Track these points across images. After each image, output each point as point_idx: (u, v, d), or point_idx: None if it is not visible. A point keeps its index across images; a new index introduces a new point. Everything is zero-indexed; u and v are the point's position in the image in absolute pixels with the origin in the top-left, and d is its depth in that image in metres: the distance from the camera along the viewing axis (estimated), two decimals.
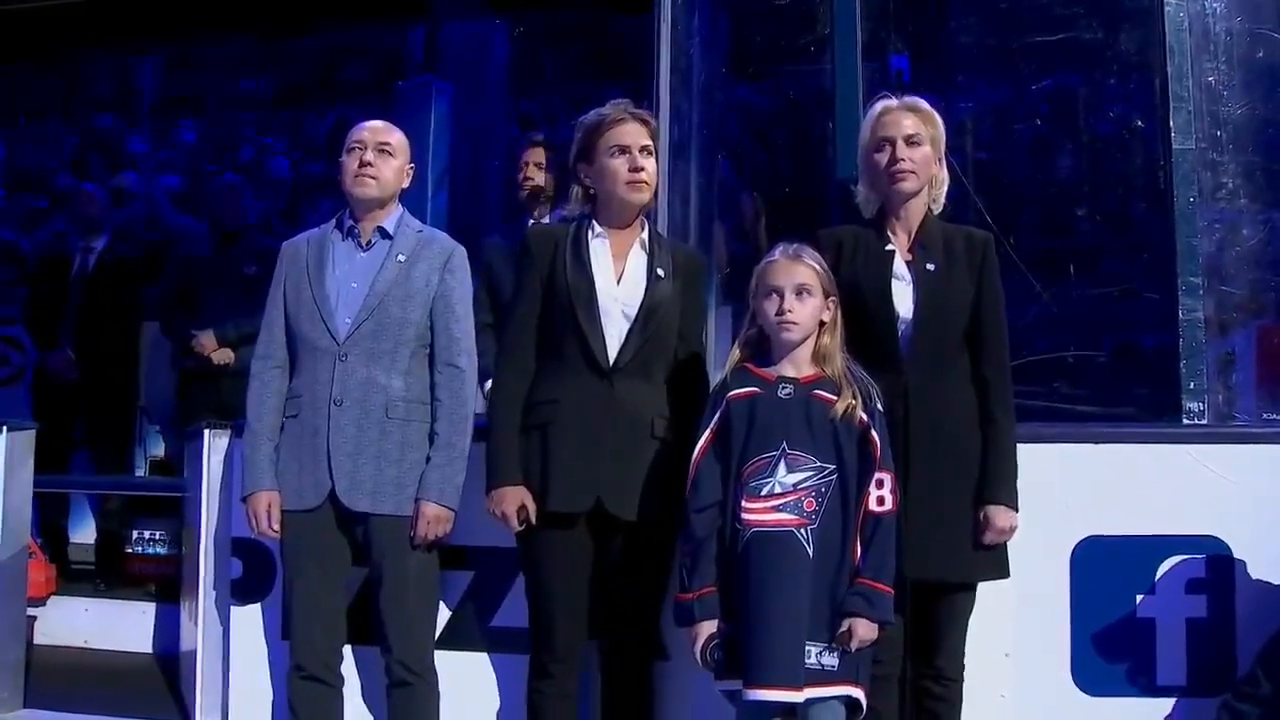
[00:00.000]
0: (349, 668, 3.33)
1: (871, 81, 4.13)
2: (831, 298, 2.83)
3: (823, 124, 4.63)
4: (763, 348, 2.87)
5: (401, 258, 3.24)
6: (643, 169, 3.03)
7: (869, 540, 2.71)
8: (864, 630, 2.67)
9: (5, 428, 3.91)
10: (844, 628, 2.67)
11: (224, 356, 5.17)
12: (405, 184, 3.34)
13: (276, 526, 3.21)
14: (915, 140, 2.96)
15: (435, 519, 3.14)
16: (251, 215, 5.49)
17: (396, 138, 3.31)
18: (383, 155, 3.25)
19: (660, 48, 4.50)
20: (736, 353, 2.89)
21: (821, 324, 2.82)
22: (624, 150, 3.03)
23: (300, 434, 3.20)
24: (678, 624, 2.83)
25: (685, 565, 2.80)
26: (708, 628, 2.74)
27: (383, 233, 3.28)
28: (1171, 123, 3.74)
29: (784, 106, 5.58)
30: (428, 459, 3.17)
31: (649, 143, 3.07)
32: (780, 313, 2.77)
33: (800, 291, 2.78)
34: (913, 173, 2.95)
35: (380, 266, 3.23)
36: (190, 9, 6.53)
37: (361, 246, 3.27)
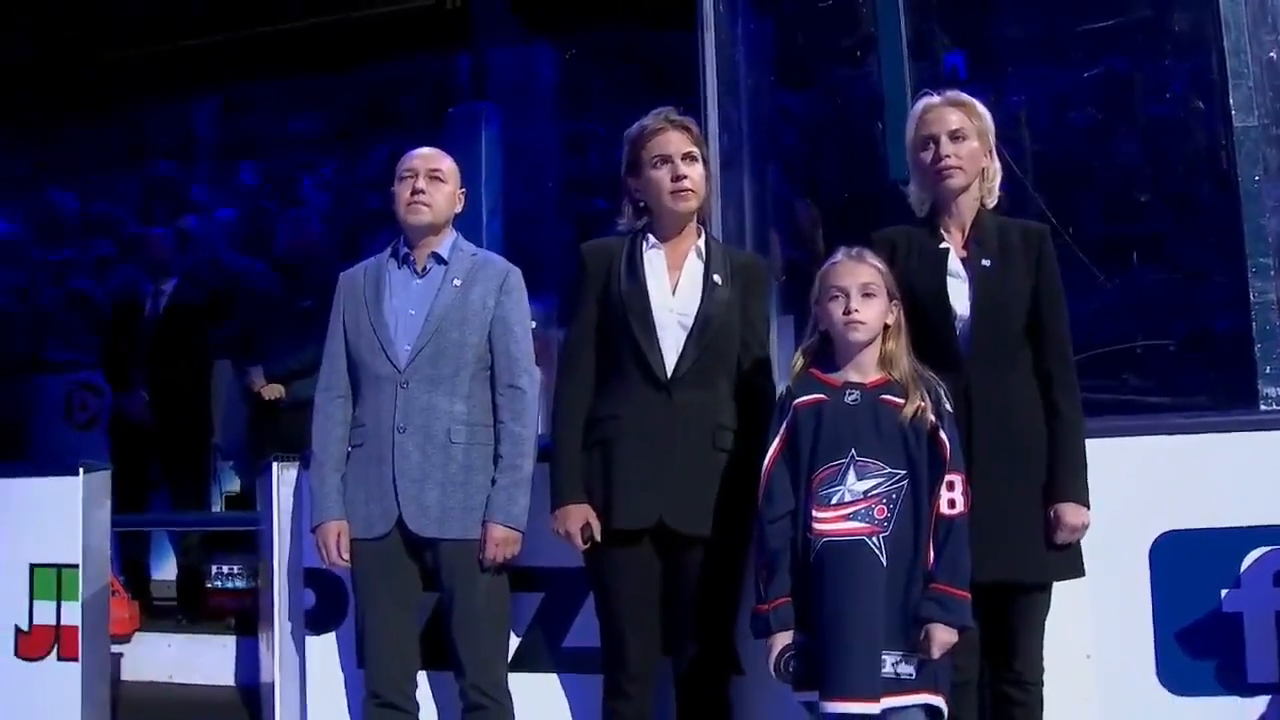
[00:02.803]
0: (424, 693, 3.35)
1: (924, 80, 4.09)
2: (895, 300, 2.80)
3: (873, 126, 4.59)
4: (826, 353, 2.83)
5: (458, 282, 3.26)
6: (685, 177, 3.02)
7: (941, 544, 2.67)
8: (943, 636, 2.62)
9: (82, 469, 3.99)
10: (922, 635, 2.62)
11: (273, 392, 5.27)
12: (458, 209, 3.37)
13: (346, 556, 3.24)
14: (960, 135, 2.92)
15: (503, 541, 3.15)
16: (312, 249, 5.55)
17: (447, 164, 3.34)
18: (434, 182, 3.28)
19: (705, 59, 4.49)
20: (800, 360, 2.85)
21: (886, 327, 2.78)
22: (666, 160, 3.02)
23: (366, 462, 3.22)
24: (755, 635, 2.79)
25: (761, 577, 2.77)
26: (783, 639, 2.70)
27: (438, 258, 3.30)
28: (1231, 100, 3.65)
29: (834, 110, 5.55)
30: (493, 481, 3.18)
31: (692, 149, 3.05)
32: (848, 312, 2.74)
33: (865, 292, 2.75)
34: (959, 168, 2.91)
35: (437, 292, 3.25)
36: (241, 52, 6.68)
37: (417, 273, 3.30)
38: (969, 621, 2.67)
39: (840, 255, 2.82)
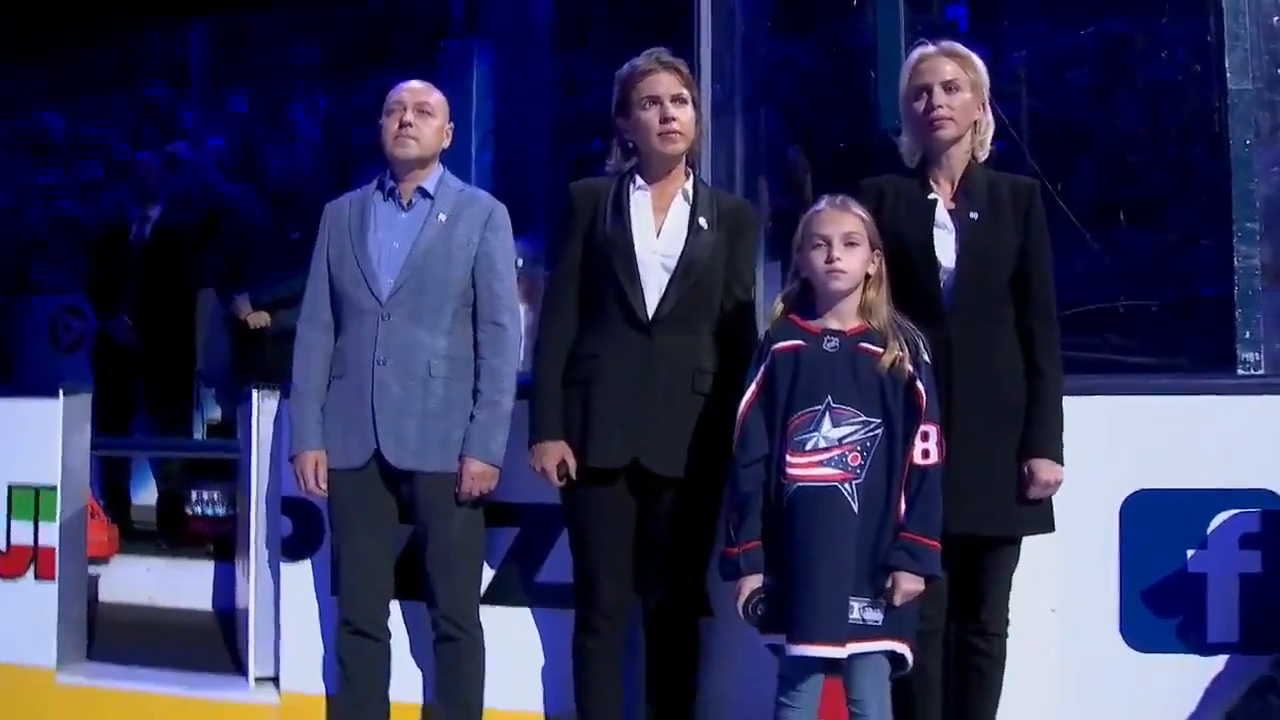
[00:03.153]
0: (396, 622, 3.38)
1: (923, 31, 4.05)
2: (877, 250, 2.79)
3: (867, 76, 4.55)
4: (806, 300, 2.84)
5: (443, 217, 3.25)
6: (674, 119, 3.00)
7: (914, 493, 2.69)
8: (908, 584, 2.66)
9: (62, 391, 3.99)
10: (889, 582, 2.66)
11: (259, 320, 5.28)
12: (445, 144, 3.35)
13: (324, 485, 3.25)
14: (954, 86, 2.90)
15: (480, 475, 3.16)
16: (300, 180, 5.53)
17: (435, 97, 3.31)
18: (422, 115, 3.26)
19: (700, 4, 4.42)
20: (779, 305, 2.86)
21: (867, 277, 2.78)
22: (655, 101, 3.00)
23: (345, 393, 3.23)
24: (723, 578, 2.83)
25: (731, 520, 2.79)
26: (751, 582, 2.73)
27: (423, 193, 3.29)
28: (1227, 62, 3.62)
29: (829, 59, 5.49)
30: (471, 416, 3.19)
31: (681, 91, 3.03)
32: (829, 261, 2.74)
33: (848, 241, 2.75)
34: (951, 119, 2.89)
35: (422, 226, 3.24)
36: None
37: (403, 207, 3.29)
38: (937, 571, 2.70)
39: (824, 204, 2.82)
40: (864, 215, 2.79)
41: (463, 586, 3.24)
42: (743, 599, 2.74)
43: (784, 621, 2.68)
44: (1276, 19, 3.67)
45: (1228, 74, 3.60)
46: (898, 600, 2.66)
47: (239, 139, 6.86)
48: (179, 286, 5.86)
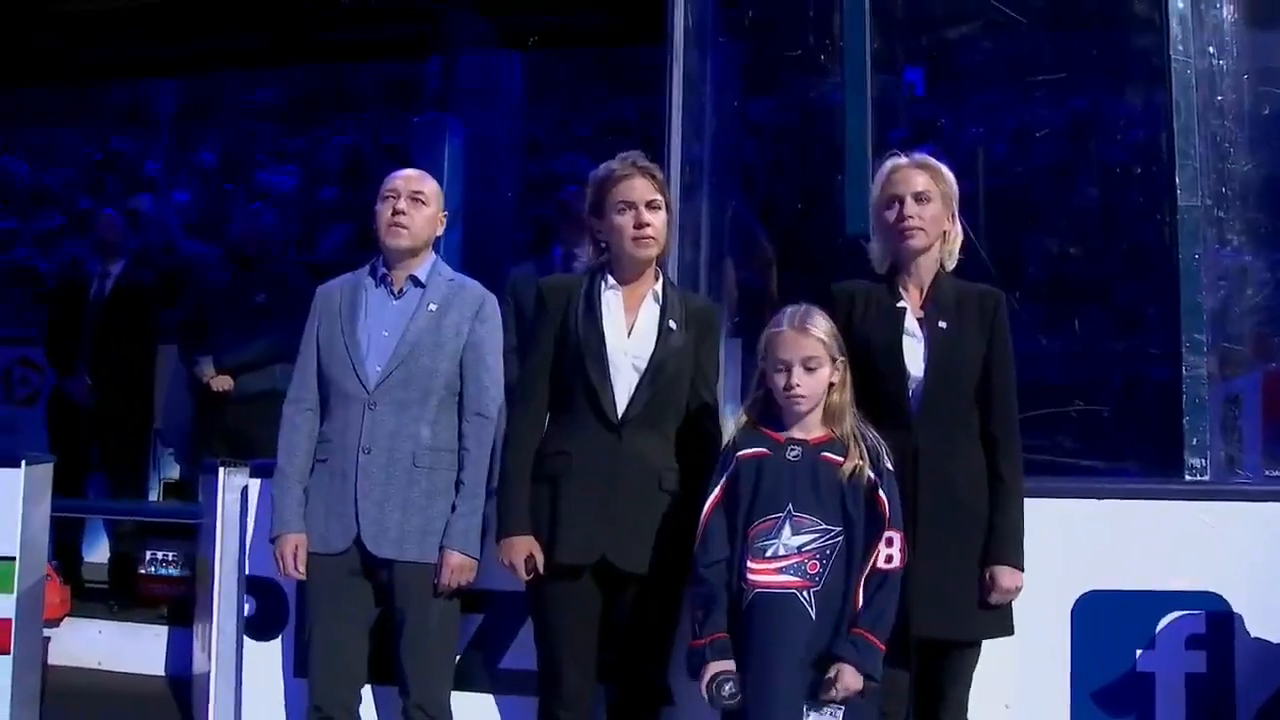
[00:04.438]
0: (367, 707, 3.37)
1: (886, 95, 4.16)
2: (840, 359, 2.86)
3: (835, 156, 4.66)
4: (771, 409, 2.90)
5: (433, 307, 3.28)
6: (648, 224, 3.06)
7: (872, 594, 2.74)
8: (849, 679, 2.68)
9: (24, 461, 3.96)
10: (832, 673, 2.68)
11: (222, 384, 5.25)
12: (439, 232, 3.38)
13: (303, 568, 3.26)
14: (924, 197, 2.99)
15: (459, 568, 3.19)
16: (268, 242, 5.54)
17: (430, 186, 3.35)
18: (415, 204, 3.30)
19: (672, 80, 4.52)
20: (744, 416, 2.92)
21: (831, 384, 2.85)
22: (630, 206, 3.06)
23: (329, 478, 3.25)
24: (690, 672, 2.83)
25: (696, 617, 2.83)
26: (715, 666, 2.75)
27: (415, 281, 3.32)
28: (1177, 180, 3.77)
29: (798, 137, 5.62)
30: (453, 507, 3.22)
31: (655, 197, 3.09)
32: (789, 387, 2.81)
33: (808, 366, 2.81)
34: (921, 229, 2.99)
35: (412, 315, 3.27)
36: (205, 25, 6.59)
37: (394, 295, 3.32)
38: (876, 675, 2.71)
39: (785, 324, 2.85)
40: (824, 335, 2.84)
41: (437, 676, 3.24)
42: (706, 679, 2.76)
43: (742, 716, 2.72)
44: (1219, 136, 3.83)
45: (1178, 191, 3.75)
46: (837, 694, 2.67)
47: (204, 196, 6.86)
48: (138, 344, 5.84)
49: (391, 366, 3.22)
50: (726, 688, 2.72)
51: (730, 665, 2.74)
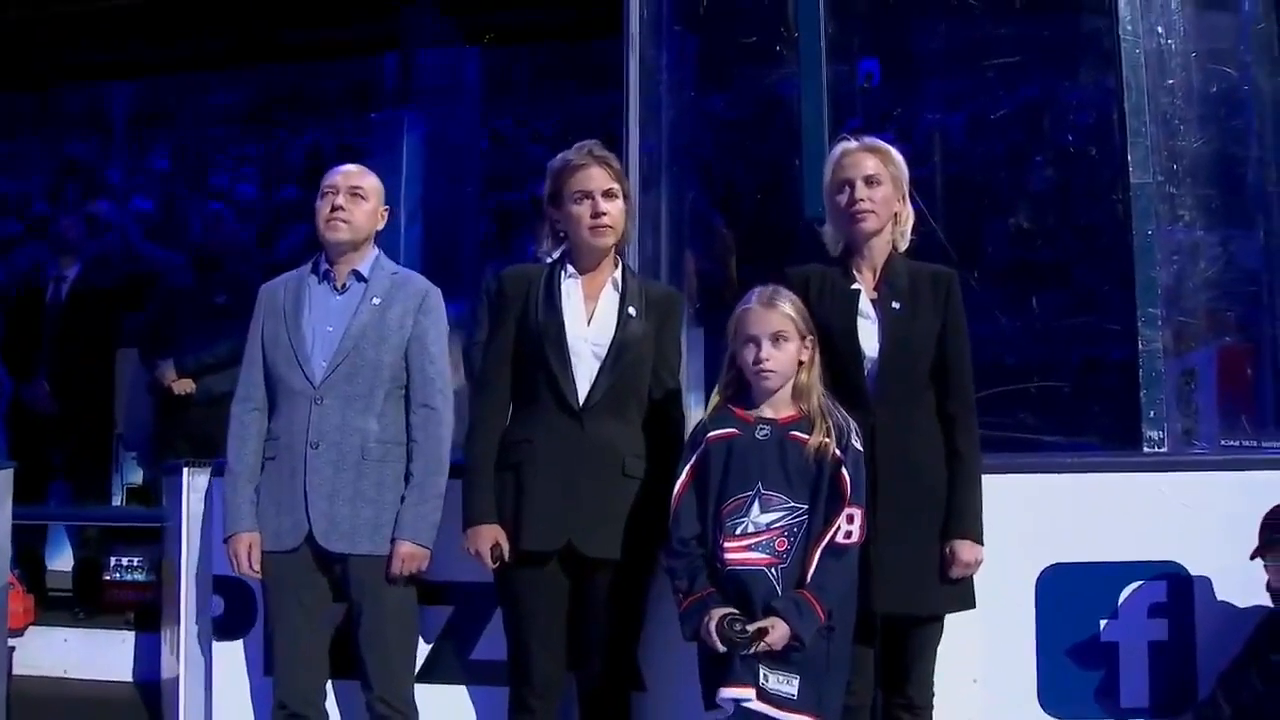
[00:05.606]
0: (331, 702, 3.37)
1: (840, 86, 4.19)
2: (809, 337, 2.88)
3: (792, 144, 4.69)
4: (743, 388, 2.92)
5: (376, 300, 3.28)
6: (605, 213, 3.08)
7: (825, 564, 2.73)
8: (776, 636, 2.66)
9: None
10: (765, 623, 2.67)
11: (184, 387, 5.21)
12: (379, 226, 3.38)
13: (257, 567, 3.25)
14: (875, 180, 3.03)
15: (410, 556, 3.19)
16: (229, 244, 5.51)
17: (369, 181, 3.36)
18: (354, 199, 3.30)
19: (629, 72, 4.54)
20: (716, 398, 2.94)
21: (800, 363, 2.87)
22: (587, 195, 3.08)
23: (279, 476, 3.24)
24: (687, 633, 2.79)
25: (681, 586, 2.81)
26: (720, 610, 2.72)
27: (358, 276, 3.32)
28: (1130, 158, 3.83)
29: (754, 127, 5.65)
30: (403, 498, 3.22)
31: (612, 185, 3.11)
32: (758, 361, 2.83)
33: (777, 339, 2.84)
34: (872, 212, 3.02)
35: (355, 310, 3.27)
36: (163, 31, 6.54)
37: (337, 290, 3.32)
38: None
39: (754, 300, 2.89)
40: (792, 311, 2.87)
41: (397, 667, 3.25)
42: (714, 623, 2.70)
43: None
44: (1169, 113, 3.89)
45: (1130, 169, 3.80)
46: (759, 646, 2.65)
47: (163, 199, 6.81)
48: (97, 348, 5.79)
49: (336, 361, 3.22)
50: (738, 625, 2.69)
51: (732, 609, 2.71)
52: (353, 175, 3.34)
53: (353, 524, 3.18)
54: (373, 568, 3.19)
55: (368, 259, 3.34)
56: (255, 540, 3.25)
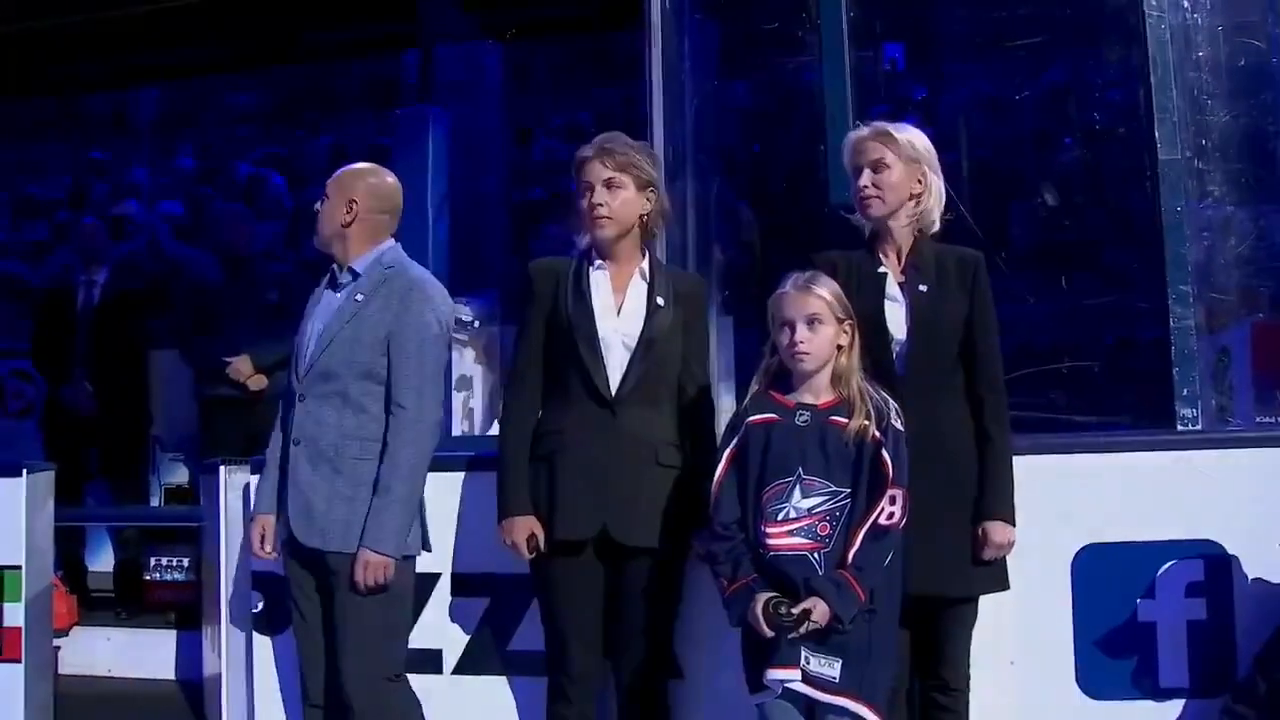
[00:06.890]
0: None
1: (865, 72, 4.17)
2: (848, 321, 2.87)
3: (816, 131, 4.68)
4: (783, 373, 2.91)
5: (359, 297, 3.23)
6: (599, 205, 3.09)
7: (868, 545, 2.73)
8: (818, 614, 2.66)
9: (25, 470, 3.98)
10: (808, 604, 2.67)
11: (259, 383, 5.21)
12: (345, 219, 3.28)
13: (269, 549, 3.28)
14: (881, 165, 3.02)
15: (370, 565, 3.10)
16: (256, 243, 5.55)
17: (332, 181, 3.35)
18: (324, 201, 3.32)
19: (651, 63, 4.53)
20: (755, 384, 2.93)
21: (840, 347, 2.87)
22: (588, 188, 3.11)
23: (280, 470, 3.29)
24: (733, 618, 2.79)
25: (724, 572, 2.80)
26: (765, 594, 2.72)
27: (353, 273, 3.30)
28: (1157, 134, 3.80)
29: (778, 114, 5.64)
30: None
31: (613, 175, 3.10)
32: (792, 344, 2.83)
33: (812, 322, 2.83)
34: (876, 198, 3.02)
35: (338, 307, 3.26)
36: (184, 32, 6.59)
37: (334, 289, 3.33)
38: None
39: (789, 285, 2.88)
40: (827, 294, 2.86)
41: (369, 661, 3.15)
42: (761, 606, 2.70)
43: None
44: (1196, 89, 3.86)
45: (1158, 145, 3.77)
46: (801, 627, 2.65)
47: (191, 200, 6.86)
48: (130, 350, 5.85)
49: (314, 359, 3.22)
50: (783, 608, 2.68)
51: (777, 594, 2.71)
52: (331, 179, 3.37)
53: (326, 521, 3.14)
54: (344, 565, 3.13)
55: (366, 256, 3.29)
56: (269, 523, 3.28)
